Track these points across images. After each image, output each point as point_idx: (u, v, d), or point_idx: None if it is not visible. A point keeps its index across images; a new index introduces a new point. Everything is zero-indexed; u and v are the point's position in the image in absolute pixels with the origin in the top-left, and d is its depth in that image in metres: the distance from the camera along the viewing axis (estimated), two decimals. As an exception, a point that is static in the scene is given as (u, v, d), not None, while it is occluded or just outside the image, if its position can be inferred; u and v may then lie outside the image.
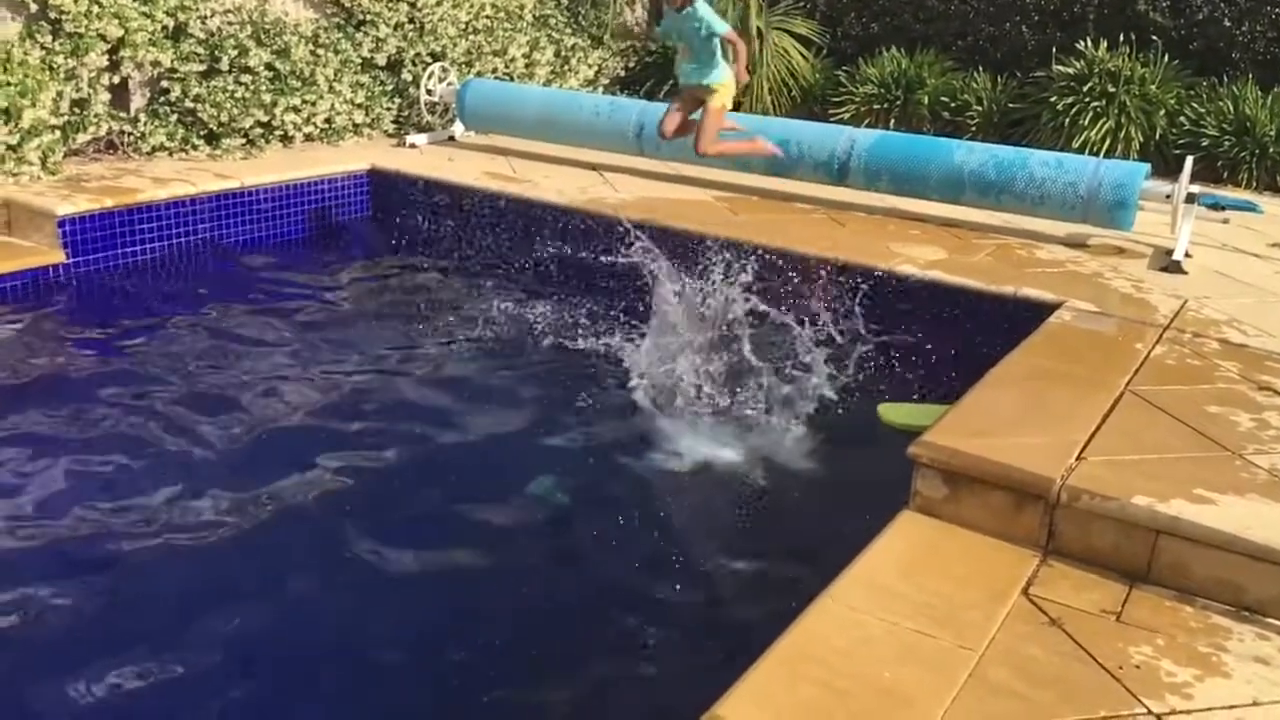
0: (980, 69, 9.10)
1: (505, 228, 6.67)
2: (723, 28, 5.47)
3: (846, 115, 9.17)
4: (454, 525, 3.89)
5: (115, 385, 4.76)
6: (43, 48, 6.38)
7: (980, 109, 8.78)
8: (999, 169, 6.21)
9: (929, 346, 5.08)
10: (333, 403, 4.76)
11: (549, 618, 3.37)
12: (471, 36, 8.86)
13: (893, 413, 4.58)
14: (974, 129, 8.67)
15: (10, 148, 6.05)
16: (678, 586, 3.51)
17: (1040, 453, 3.30)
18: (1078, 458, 3.31)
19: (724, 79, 5.56)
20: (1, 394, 4.63)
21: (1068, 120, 8.24)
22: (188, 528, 3.73)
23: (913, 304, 5.29)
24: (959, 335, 5.12)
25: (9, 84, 5.99)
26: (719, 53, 5.54)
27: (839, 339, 4.93)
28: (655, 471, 4.25)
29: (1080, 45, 8.53)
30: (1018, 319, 4.89)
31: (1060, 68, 8.48)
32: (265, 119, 7.32)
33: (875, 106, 9.18)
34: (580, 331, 5.44)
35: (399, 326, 5.67)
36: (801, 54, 9.72)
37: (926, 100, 9.00)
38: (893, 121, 9.02)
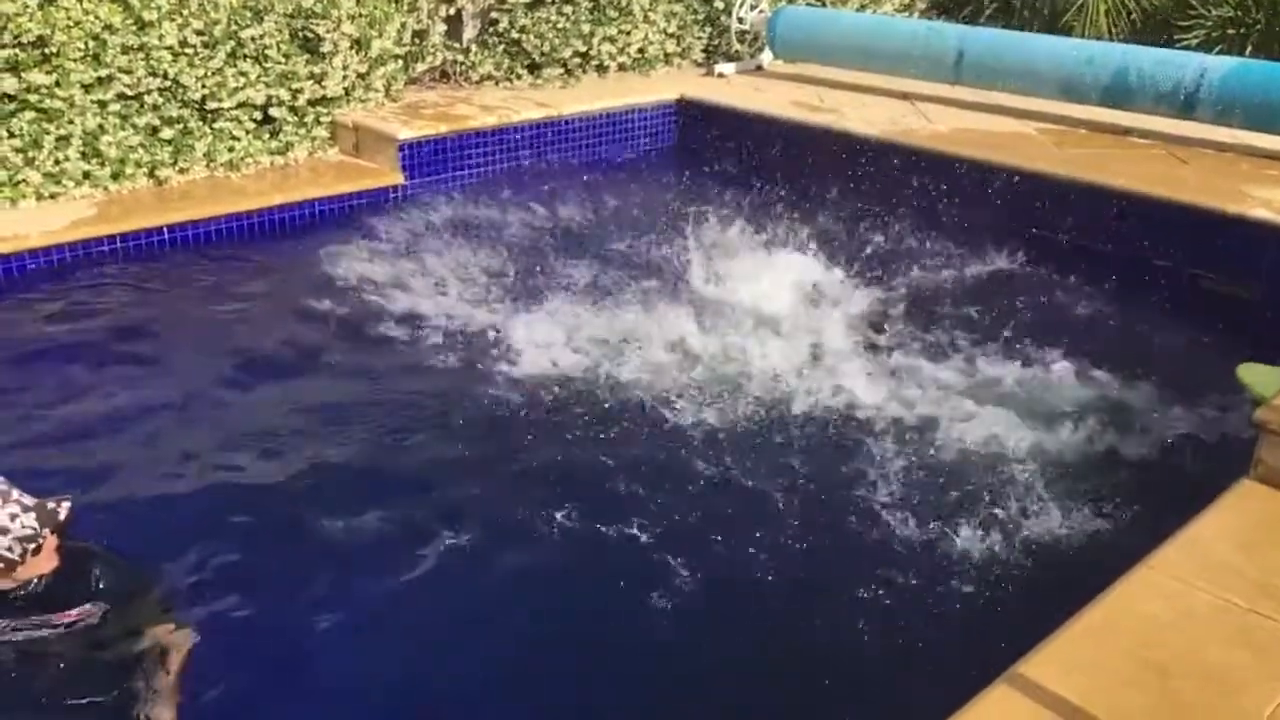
0: (1366, -13, 7.94)
1: (811, 158, 6.56)
2: None
3: (1194, 41, 8.28)
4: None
5: (447, 283, 5.27)
6: (390, -20, 6.87)
7: (1363, 33, 7.69)
8: (1384, 102, 5.43)
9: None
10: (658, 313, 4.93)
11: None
12: (786, -38, 8.70)
13: (1254, 375, 4.09)
14: (1353, 57, 7.60)
15: (360, 76, 6.59)
16: (994, 536, 3.40)
17: None
18: None
19: None
20: (358, 292, 5.15)
21: None
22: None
23: (1269, 254, 4.75)
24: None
25: (361, 15, 6.51)
26: None
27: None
28: (997, 419, 4.07)
29: None
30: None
31: None
32: (583, 49, 7.57)
33: (1230, 31, 8.24)
34: None
35: (705, 250, 5.72)
36: (1146, -28, 8.85)
37: (1294, 24, 7.98)
38: (1250, 48, 8.07)
